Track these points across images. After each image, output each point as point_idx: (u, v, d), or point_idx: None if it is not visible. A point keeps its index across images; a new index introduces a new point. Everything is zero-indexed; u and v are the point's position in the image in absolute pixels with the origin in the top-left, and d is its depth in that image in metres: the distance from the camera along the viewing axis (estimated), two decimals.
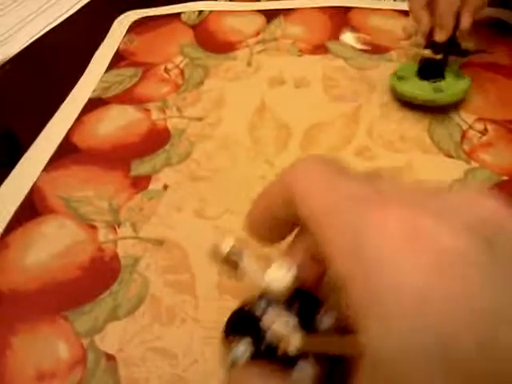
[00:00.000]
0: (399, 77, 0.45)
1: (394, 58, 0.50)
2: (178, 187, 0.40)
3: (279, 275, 0.21)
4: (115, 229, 0.36)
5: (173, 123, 0.45)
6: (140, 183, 0.40)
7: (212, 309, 0.31)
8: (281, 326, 0.20)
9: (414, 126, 0.44)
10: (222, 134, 0.44)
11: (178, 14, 0.58)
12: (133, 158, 0.42)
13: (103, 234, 0.36)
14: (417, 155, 0.41)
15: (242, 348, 0.21)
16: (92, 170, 0.42)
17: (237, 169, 0.41)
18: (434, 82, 0.44)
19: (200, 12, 0.58)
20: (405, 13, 0.56)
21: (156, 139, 0.44)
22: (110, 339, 0.30)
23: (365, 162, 0.41)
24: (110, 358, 0.29)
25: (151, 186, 0.40)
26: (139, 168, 0.41)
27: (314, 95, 0.47)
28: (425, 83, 0.44)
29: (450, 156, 0.41)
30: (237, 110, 0.46)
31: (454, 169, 0.40)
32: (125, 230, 0.36)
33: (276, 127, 0.44)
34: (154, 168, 0.41)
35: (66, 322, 0.30)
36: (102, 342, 0.29)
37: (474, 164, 0.40)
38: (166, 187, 0.40)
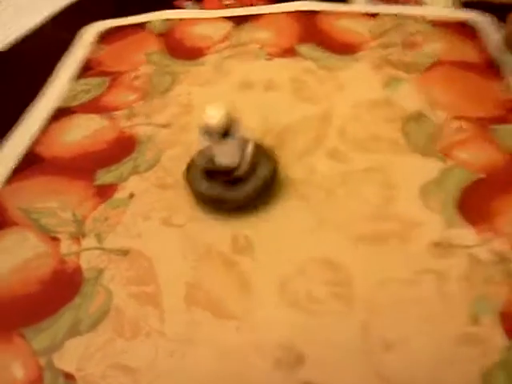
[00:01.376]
0: None
1: (363, 57, 0.50)
2: (145, 195, 0.38)
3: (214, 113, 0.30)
4: (79, 240, 0.35)
5: (140, 130, 0.44)
6: (105, 192, 0.39)
7: (179, 321, 0.30)
8: None
9: (387, 126, 0.43)
10: (190, 139, 0.43)
11: (145, 24, 0.57)
12: (99, 167, 0.41)
13: (66, 246, 0.35)
14: (391, 156, 0.40)
15: None
16: (56, 181, 0.40)
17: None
18: None
19: (167, 21, 0.57)
20: (372, 15, 0.56)
21: (123, 147, 0.43)
22: (69, 357, 0.28)
23: (337, 165, 0.40)
24: (69, 376, 0.27)
25: (117, 195, 0.38)
26: (105, 177, 0.40)
27: (284, 98, 0.46)
28: None
29: (425, 155, 0.40)
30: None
31: (430, 168, 0.39)
32: (89, 241, 0.35)
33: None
34: (120, 176, 0.40)
35: (23, 340, 0.29)
36: (60, 360, 0.28)
37: (450, 163, 0.39)
38: (132, 195, 0.38)
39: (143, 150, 0.42)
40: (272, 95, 0.47)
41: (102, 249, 0.34)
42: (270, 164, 0.37)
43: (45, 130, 0.45)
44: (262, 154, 0.37)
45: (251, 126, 0.43)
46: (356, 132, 0.43)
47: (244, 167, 0.34)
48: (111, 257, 0.33)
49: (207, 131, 0.32)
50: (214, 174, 0.35)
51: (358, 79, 0.47)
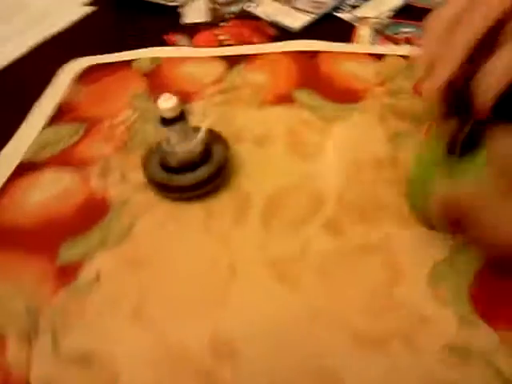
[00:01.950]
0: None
1: (367, 107, 0.45)
2: (113, 277, 0.33)
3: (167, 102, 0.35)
4: (30, 342, 0.30)
5: (114, 192, 0.39)
6: (68, 273, 0.33)
7: None
8: None
9: (391, 190, 0.38)
10: (169, 203, 0.38)
11: (129, 62, 0.52)
12: (63, 239, 0.36)
13: (13, 352, 0.29)
14: (394, 228, 0.35)
15: None
16: (9, 257, 0.35)
17: (185, 249, 0.35)
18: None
19: (154, 59, 0.52)
20: (378, 57, 0.51)
21: (92, 213, 0.38)
22: None
23: (333, 239, 0.35)
24: None
25: (81, 277, 0.33)
26: (69, 252, 0.35)
27: (277, 154, 0.41)
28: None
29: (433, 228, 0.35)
30: None
31: (440, 245, 0.34)
32: (42, 344, 0.30)
33: (233, 195, 0.38)
34: (86, 252, 0.35)
35: None
36: None
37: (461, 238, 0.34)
38: (98, 277, 0.33)
39: (115, 216, 0.37)
40: (264, 151, 0.42)
41: (58, 355, 0.29)
42: (223, 150, 0.39)
43: (5, 188, 0.40)
44: (216, 139, 0.40)
45: (240, 185, 0.39)
46: (355, 197, 0.37)
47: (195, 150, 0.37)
48: (68, 367, 0.28)
49: (161, 119, 0.36)
50: (167, 160, 0.38)
51: (360, 132, 0.43)
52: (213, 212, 0.37)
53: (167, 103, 0.35)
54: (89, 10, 0.63)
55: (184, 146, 0.37)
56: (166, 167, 0.38)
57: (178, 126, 0.36)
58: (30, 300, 0.32)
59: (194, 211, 0.37)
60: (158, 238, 0.36)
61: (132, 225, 0.37)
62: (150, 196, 0.38)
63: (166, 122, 0.36)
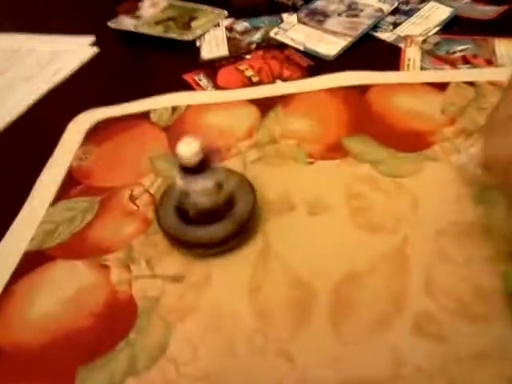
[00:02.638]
0: None
1: (440, 154, 0.37)
2: None
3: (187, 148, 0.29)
4: None
5: (139, 288, 0.31)
6: None
7: None
8: None
9: (488, 270, 0.29)
10: (211, 302, 0.30)
11: (147, 113, 0.45)
12: (79, 362, 0.28)
13: None
14: (507, 322, 0.27)
15: None
16: None
17: (240, 367, 0.27)
18: None
19: (174, 109, 0.44)
20: (439, 86, 0.42)
21: (116, 321, 0.30)
22: None
23: (433, 344, 0.27)
24: None
25: None
26: (88, 380, 0.27)
27: (337, 226, 0.33)
28: None
29: None
30: (231, 257, 0.32)
31: None
32: None
33: (289, 285, 0.30)
34: (110, 379, 0.27)
35: None
36: None
37: None
38: None
39: (144, 325, 0.29)
40: (320, 222, 0.34)
41: None
42: (247, 203, 0.33)
43: (7, 292, 0.32)
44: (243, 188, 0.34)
45: (296, 276, 0.31)
46: (448, 281, 0.29)
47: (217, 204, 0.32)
48: None
49: (180, 168, 0.30)
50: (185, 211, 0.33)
51: (437, 190, 0.34)
52: (265, 310, 0.29)
53: (186, 151, 0.29)
54: (95, 51, 0.56)
55: (205, 199, 0.31)
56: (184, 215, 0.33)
57: (199, 177, 0.30)
58: None
59: (241, 311, 0.29)
60: (203, 354, 0.28)
61: (166, 337, 0.29)
62: (187, 291, 0.31)
63: (186, 170, 0.30)
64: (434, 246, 0.31)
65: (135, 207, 0.37)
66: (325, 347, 0.27)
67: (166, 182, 0.38)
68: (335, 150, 0.38)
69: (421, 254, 0.31)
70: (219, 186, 0.32)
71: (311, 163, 0.37)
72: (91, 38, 0.58)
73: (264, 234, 0.33)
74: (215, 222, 0.32)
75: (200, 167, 0.30)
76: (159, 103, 0.45)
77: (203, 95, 0.46)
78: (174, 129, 0.43)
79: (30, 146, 0.45)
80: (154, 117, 0.44)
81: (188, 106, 0.44)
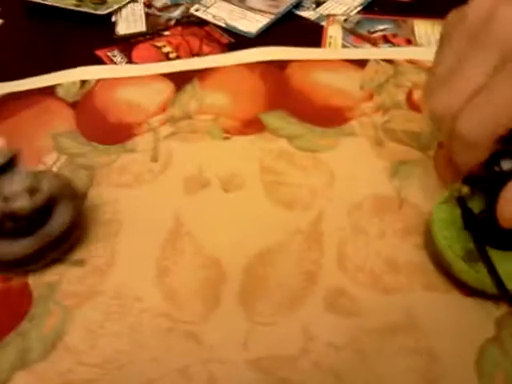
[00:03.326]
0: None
1: (357, 129, 0.36)
2: None
3: None
4: None
5: (36, 274, 0.29)
6: None
7: None
8: None
9: (406, 244, 0.29)
10: (115, 285, 0.28)
11: (53, 88, 0.41)
12: None
13: None
14: (418, 294, 0.27)
15: None
16: None
17: (143, 355, 0.25)
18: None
19: (83, 83, 0.41)
20: (359, 63, 0.42)
21: (7, 311, 0.27)
22: None
23: (343, 323, 0.26)
24: None
25: None
26: None
27: (252, 202, 0.32)
28: None
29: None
30: (138, 238, 0.30)
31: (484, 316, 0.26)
32: None
33: (200, 266, 0.29)
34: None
35: None
36: None
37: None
38: None
39: (40, 313, 0.27)
40: (235, 199, 0.32)
41: None
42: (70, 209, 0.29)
43: None
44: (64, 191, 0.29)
45: (206, 255, 0.29)
46: (361, 257, 0.29)
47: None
48: None
49: None
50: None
51: (353, 165, 0.34)
52: (174, 292, 0.27)
53: None
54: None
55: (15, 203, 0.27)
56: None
57: (7, 177, 0.27)
58: None
59: (147, 293, 0.27)
60: (105, 341, 0.26)
61: (64, 324, 0.26)
62: (89, 275, 0.28)
63: None
64: (348, 221, 0.30)
65: None
66: (235, 328, 0.26)
67: (69, 161, 0.35)
68: (252, 126, 0.36)
69: (335, 229, 0.30)
70: (32, 191, 0.27)
71: (227, 139, 0.36)
72: None
73: (175, 213, 0.31)
74: (29, 233, 0.28)
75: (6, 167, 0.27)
76: (67, 77, 0.42)
77: (115, 69, 0.43)
78: (83, 104, 0.40)
79: None
80: (60, 92, 0.41)
81: (98, 81, 0.41)
